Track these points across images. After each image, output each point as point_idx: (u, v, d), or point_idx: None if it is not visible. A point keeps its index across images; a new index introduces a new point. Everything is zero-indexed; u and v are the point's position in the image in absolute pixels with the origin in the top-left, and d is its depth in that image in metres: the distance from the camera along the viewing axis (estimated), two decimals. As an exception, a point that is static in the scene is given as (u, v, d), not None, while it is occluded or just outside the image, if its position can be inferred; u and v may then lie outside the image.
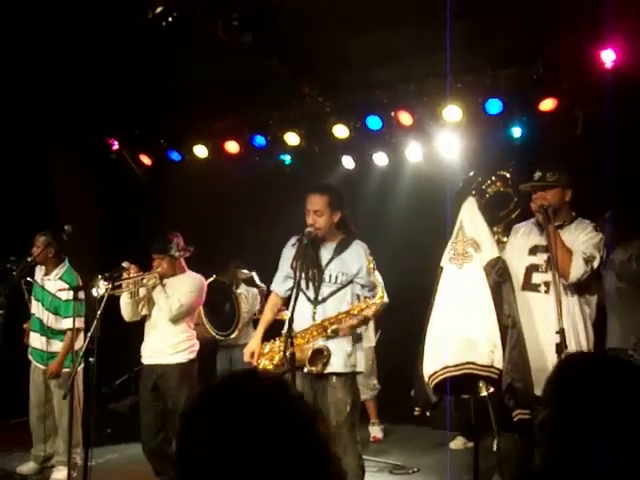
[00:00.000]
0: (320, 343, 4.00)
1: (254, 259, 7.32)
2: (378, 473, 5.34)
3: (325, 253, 4.21)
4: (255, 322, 7.19)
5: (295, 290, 3.95)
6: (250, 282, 7.26)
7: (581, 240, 3.89)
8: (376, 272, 6.03)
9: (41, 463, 5.38)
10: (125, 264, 4.59)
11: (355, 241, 4.29)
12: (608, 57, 5.28)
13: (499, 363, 3.54)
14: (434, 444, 6.27)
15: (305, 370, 3.99)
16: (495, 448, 4.99)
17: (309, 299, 4.11)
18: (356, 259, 4.19)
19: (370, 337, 6.54)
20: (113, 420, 7.01)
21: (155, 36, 5.00)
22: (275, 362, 4.03)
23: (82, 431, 5.12)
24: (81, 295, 4.99)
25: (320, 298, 4.11)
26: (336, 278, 4.15)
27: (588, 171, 5.51)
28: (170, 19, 4.50)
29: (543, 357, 3.77)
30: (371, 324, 6.53)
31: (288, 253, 4.29)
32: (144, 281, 4.88)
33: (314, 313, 4.08)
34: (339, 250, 4.21)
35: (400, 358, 6.75)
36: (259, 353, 4.14)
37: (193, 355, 4.98)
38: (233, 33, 5.09)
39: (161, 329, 4.91)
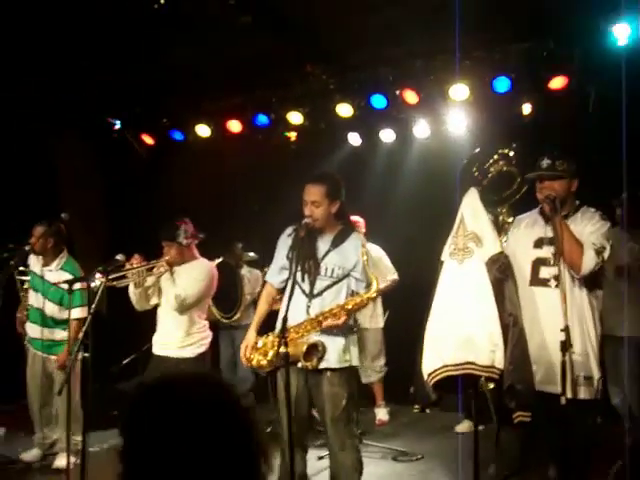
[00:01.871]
0: (314, 338, 3.90)
1: (259, 239, 7.25)
2: (381, 460, 5.30)
3: (322, 245, 4.08)
4: (257, 304, 7.17)
5: (291, 283, 3.84)
6: (253, 264, 7.19)
7: (589, 230, 3.75)
8: (385, 258, 6.00)
9: (45, 450, 5.39)
10: (119, 256, 4.45)
11: (353, 233, 4.17)
12: (622, 32, 5.05)
13: (500, 363, 3.43)
14: (441, 427, 6.22)
15: (299, 365, 3.91)
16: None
17: (304, 292, 3.99)
18: (353, 253, 4.04)
19: (378, 318, 6.46)
20: (120, 401, 7.01)
21: (156, 16, 4.91)
22: (269, 358, 3.93)
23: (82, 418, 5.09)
24: (82, 285, 4.95)
25: (315, 292, 3.98)
26: (332, 271, 4.01)
27: (599, 152, 5.37)
28: (162, 1, 4.32)
29: (551, 353, 3.67)
30: (379, 305, 6.46)
31: (284, 243, 4.17)
32: (153, 270, 4.75)
33: (308, 307, 3.95)
34: (337, 242, 4.07)
35: (408, 339, 6.69)
36: (252, 347, 4.03)
37: (202, 349, 4.79)
38: (231, 13, 4.95)
39: (170, 320, 4.75)
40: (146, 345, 7.50)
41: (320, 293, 3.97)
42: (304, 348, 3.82)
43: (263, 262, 7.25)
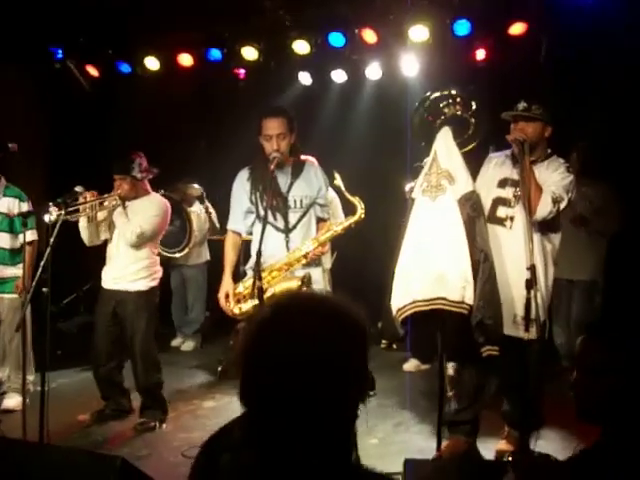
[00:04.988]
0: (301, 272, 3.94)
1: (206, 175, 7.14)
2: (335, 397, 5.37)
3: (282, 179, 4.09)
4: (210, 242, 7.10)
5: (262, 223, 3.80)
6: (202, 199, 7.08)
7: (553, 179, 3.82)
8: (337, 200, 6.01)
9: (-10, 390, 5.23)
10: (78, 188, 4.33)
11: (307, 162, 4.24)
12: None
13: (470, 299, 3.51)
14: (388, 366, 6.34)
15: None
16: (450, 374, 5.09)
17: (278, 229, 3.99)
18: (315, 180, 4.15)
19: (326, 259, 6.47)
20: (62, 341, 6.89)
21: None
22: (257, 302, 3.80)
23: (33, 357, 4.96)
24: (29, 208, 4.89)
25: (290, 226, 4.02)
26: (301, 202, 4.08)
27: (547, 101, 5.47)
28: None
29: (507, 292, 3.76)
30: (327, 246, 6.47)
31: (242, 188, 4.12)
32: (105, 204, 4.63)
33: (287, 242, 3.99)
34: (296, 173, 4.12)
35: (354, 279, 6.79)
36: (233, 294, 3.98)
37: (155, 282, 4.78)
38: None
39: (122, 254, 4.68)
40: (87, 284, 7.39)
41: (295, 226, 4.01)
42: (298, 282, 3.81)
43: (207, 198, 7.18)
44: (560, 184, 3.80)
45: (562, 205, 3.79)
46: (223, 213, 6.60)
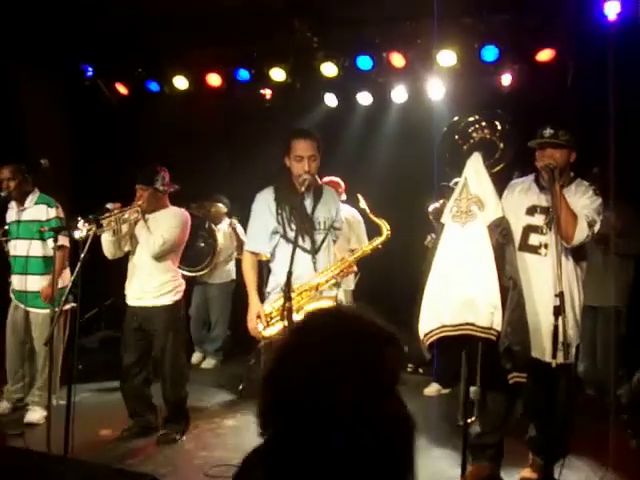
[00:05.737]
0: (333, 293, 3.98)
1: (228, 194, 7.19)
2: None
3: (307, 200, 4.09)
4: (238, 261, 7.11)
5: (293, 244, 3.81)
6: (230, 216, 7.12)
7: (583, 203, 3.82)
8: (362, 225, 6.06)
9: (14, 402, 5.26)
10: (110, 205, 4.37)
11: (324, 185, 4.31)
12: (612, 9, 5.12)
13: (498, 325, 3.49)
14: (409, 389, 6.30)
15: None
16: (473, 397, 5.05)
17: (305, 250, 3.98)
18: (333, 203, 4.20)
19: (349, 280, 6.47)
20: (83, 356, 6.92)
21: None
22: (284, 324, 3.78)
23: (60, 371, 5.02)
24: (57, 214, 5.07)
25: (316, 247, 4.03)
26: (324, 224, 4.10)
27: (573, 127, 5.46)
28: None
29: (538, 319, 3.75)
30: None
31: (267, 208, 4.08)
32: (126, 216, 4.66)
33: (314, 262, 3.99)
34: (318, 196, 4.14)
35: (377, 302, 6.76)
36: (264, 317, 3.93)
37: (179, 296, 4.82)
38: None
39: (145, 268, 4.72)
40: (109, 299, 7.44)
41: (320, 247, 4.03)
42: (332, 303, 3.85)
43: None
44: (591, 207, 3.80)
45: (596, 228, 3.79)
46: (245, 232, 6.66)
